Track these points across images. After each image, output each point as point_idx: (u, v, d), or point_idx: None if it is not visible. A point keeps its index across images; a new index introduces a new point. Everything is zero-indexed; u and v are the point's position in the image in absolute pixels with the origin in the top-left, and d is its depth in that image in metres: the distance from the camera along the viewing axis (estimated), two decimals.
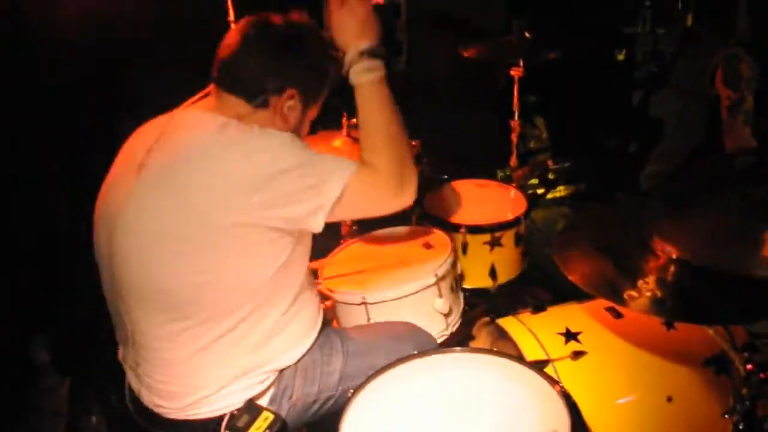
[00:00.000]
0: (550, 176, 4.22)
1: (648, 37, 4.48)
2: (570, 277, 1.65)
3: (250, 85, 1.55)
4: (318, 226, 1.50)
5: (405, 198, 1.58)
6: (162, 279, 1.47)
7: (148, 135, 1.58)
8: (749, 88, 2.55)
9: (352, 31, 1.57)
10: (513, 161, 2.61)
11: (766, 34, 2.59)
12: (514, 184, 2.60)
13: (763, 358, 1.45)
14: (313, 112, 1.67)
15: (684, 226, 1.21)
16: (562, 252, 1.74)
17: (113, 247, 1.52)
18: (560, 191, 4.44)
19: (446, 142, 3.02)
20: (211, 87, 1.61)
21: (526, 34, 2.50)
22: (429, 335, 1.88)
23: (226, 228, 1.43)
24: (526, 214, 2.41)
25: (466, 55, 2.48)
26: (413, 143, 2.65)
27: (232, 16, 2.82)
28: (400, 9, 3.99)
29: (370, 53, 1.55)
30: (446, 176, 2.64)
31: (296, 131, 1.61)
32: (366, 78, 1.55)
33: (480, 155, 3.24)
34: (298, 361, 1.65)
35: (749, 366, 1.37)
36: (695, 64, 4.26)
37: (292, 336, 1.64)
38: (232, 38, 1.56)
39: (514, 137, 2.60)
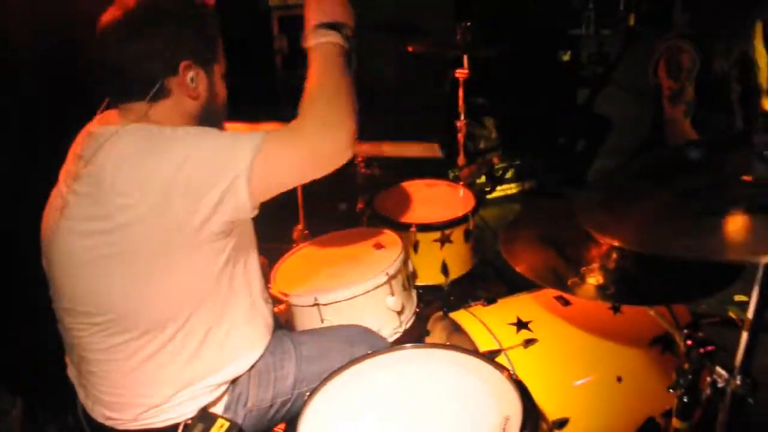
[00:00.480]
0: (497, 174, 4.29)
1: (592, 39, 4.60)
2: (516, 269, 1.69)
3: (136, 82, 1.44)
4: (245, 206, 1.38)
5: (333, 151, 1.41)
6: (95, 294, 1.44)
7: (79, 146, 1.52)
8: (689, 78, 2.63)
9: (316, 8, 1.51)
10: (461, 161, 2.66)
11: (705, 26, 2.68)
12: (462, 183, 2.65)
13: (702, 335, 1.50)
14: (219, 67, 1.56)
15: (618, 215, 1.25)
16: (508, 245, 1.78)
17: (51, 263, 1.50)
18: (511, 188, 4.52)
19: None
20: (105, 105, 1.53)
21: (470, 38, 2.55)
22: (382, 338, 1.89)
23: (151, 242, 1.37)
24: (474, 210, 2.45)
25: (410, 50, 2.51)
26: None
27: None
28: None
29: (327, 25, 1.48)
30: (396, 177, 2.67)
31: (213, 97, 1.54)
32: (315, 42, 1.48)
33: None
34: (252, 367, 1.64)
35: (689, 342, 1.41)
36: (638, 62, 4.40)
37: (242, 343, 1.61)
38: (96, 47, 1.44)
39: (460, 137, 2.65)
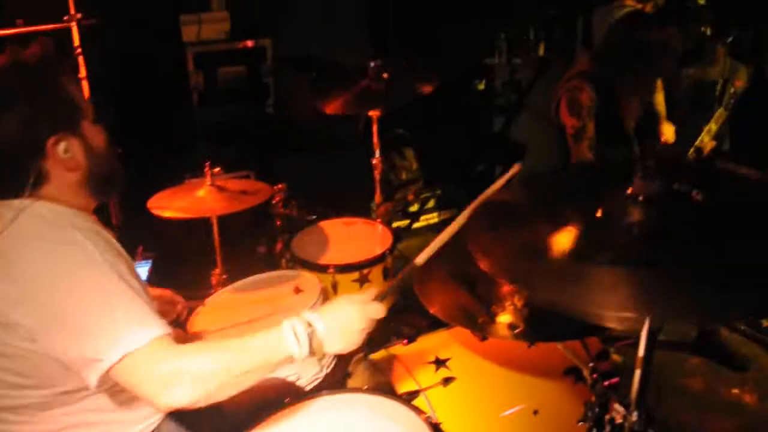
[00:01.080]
0: (412, 209, 4.35)
1: (505, 68, 4.76)
2: (430, 309, 1.71)
3: (4, 178, 1.32)
4: (90, 383, 1.27)
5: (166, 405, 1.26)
6: None
7: None
8: (590, 115, 2.74)
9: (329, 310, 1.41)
10: (377, 198, 2.69)
11: (604, 64, 2.81)
12: (379, 220, 2.67)
13: (607, 366, 1.55)
14: (88, 117, 1.40)
15: (502, 240, 1.27)
16: (422, 284, 1.81)
17: None
18: (432, 218, 4.59)
19: (316, 183, 3.06)
20: None
21: (384, 76, 2.59)
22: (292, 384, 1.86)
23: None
24: (392, 248, 2.48)
25: (328, 112, 2.52)
26: (279, 186, 2.67)
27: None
28: (266, 52, 4.05)
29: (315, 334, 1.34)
30: (315, 217, 2.67)
31: (94, 155, 1.41)
32: (283, 326, 1.33)
33: (351, 193, 3.31)
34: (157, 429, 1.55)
35: (594, 375, 1.46)
36: (549, 90, 4.58)
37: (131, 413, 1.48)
38: None
39: (376, 174, 2.68)
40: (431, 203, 4.64)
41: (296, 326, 1.33)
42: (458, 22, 4.94)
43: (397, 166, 4.61)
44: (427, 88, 2.60)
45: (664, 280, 1.00)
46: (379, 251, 2.44)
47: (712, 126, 3.06)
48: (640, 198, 1.13)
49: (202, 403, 1.26)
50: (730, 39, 4.11)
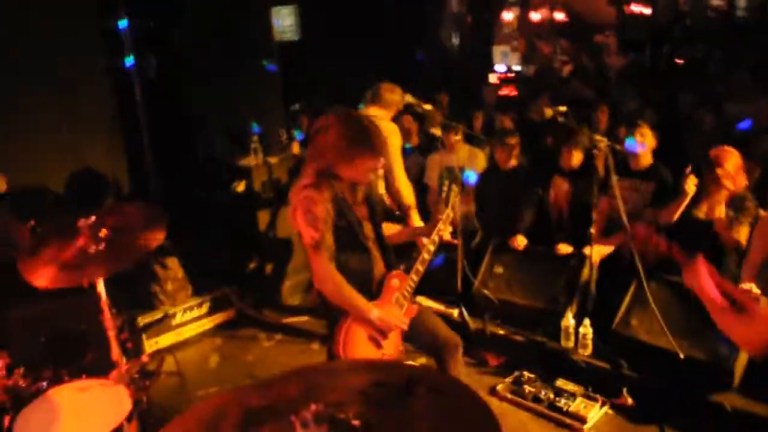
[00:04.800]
0: (179, 320, 4.28)
1: (263, 168, 4.82)
2: None
3: None
4: None
5: None
6: None
7: None
8: (327, 226, 2.66)
9: None
10: (115, 355, 2.48)
11: None
12: (122, 382, 2.46)
13: None
14: None
15: None
16: None
17: None
18: (206, 324, 4.47)
19: (48, 336, 2.77)
20: None
21: (101, 233, 2.43)
22: None
23: None
24: (130, 416, 2.29)
25: (38, 285, 2.31)
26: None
27: None
28: None
29: None
30: (45, 384, 2.39)
31: None
32: None
33: (92, 344, 3.02)
34: None
35: None
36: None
37: None
38: None
39: (111, 335, 2.47)
40: (204, 308, 4.51)
41: None
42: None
43: (160, 277, 4.42)
44: (154, 242, 2.48)
45: None
46: (115, 423, 2.23)
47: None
48: None
49: None
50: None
